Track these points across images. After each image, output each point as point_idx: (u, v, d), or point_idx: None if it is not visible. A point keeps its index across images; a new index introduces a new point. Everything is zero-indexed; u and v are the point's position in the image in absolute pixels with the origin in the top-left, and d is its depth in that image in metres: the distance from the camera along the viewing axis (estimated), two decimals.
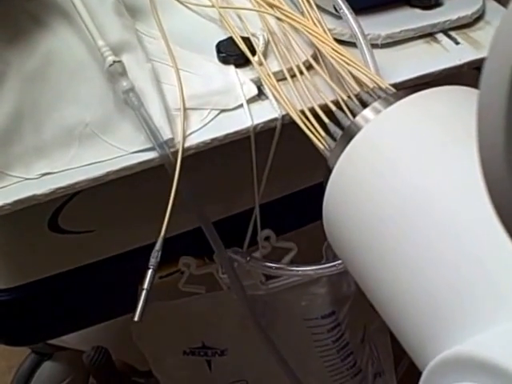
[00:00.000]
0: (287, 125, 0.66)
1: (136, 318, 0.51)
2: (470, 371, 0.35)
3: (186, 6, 0.76)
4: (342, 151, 0.51)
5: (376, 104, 0.53)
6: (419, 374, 0.42)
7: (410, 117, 0.49)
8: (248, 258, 0.69)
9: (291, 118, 0.64)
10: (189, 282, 0.77)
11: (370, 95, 0.57)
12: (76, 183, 0.60)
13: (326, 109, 0.62)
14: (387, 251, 0.45)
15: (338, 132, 0.56)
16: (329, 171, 0.53)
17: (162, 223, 0.64)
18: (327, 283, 0.79)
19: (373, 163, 0.48)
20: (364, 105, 0.57)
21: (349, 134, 0.52)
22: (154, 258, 0.59)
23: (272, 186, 0.73)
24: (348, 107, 0.58)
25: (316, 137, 0.59)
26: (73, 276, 0.75)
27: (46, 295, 0.76)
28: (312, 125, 0.61)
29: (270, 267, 0.70)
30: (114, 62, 0.62)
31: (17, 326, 0.79)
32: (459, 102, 0.50)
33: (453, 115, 0.49)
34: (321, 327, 0.83)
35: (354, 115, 0.56)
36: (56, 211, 0.73)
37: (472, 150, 0.45)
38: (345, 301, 0.85)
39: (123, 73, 0.63)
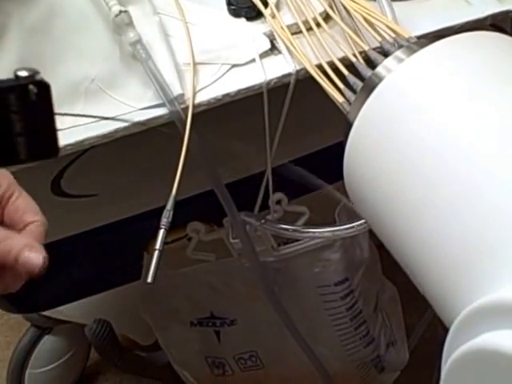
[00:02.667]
0: (301, 81, 0.63)
1: (149, 280, 0.48)
2: (507, 318, 0.33)
3: None
4: (363, 102, 0.48)
5: (399, 53, 0.49)
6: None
7: (436, 63, 0.46)
8: (262, 221, 0.66)
9: (306, 72, 0.61)
10: (197, 249, 0.74)
11: (392, 45, 0.54)
12: (85, 140, 0.57)
13: (343, 62, 0.59)
14: (416, 202, 0.42)
15: (358, 84, 0.53)
16: (349, 125, 0.50)
17: (171, 185, 0.62)
18: (341, 248, 0.76)
19: (399, 112, 0.45)
20: (385, 54, 0.54)
21: (370, 84, 0.49)
22: (166, 218, 0.56)
23: (285, 147, 0.70)
24: (368, 59, 0.55)
25: (334, 90, 0.56)
26: (77, 241, 0.73)
27: (50, 261, 0.74)
28: (329, 78, 0.58)
29: (286, 229, 0.67)
30: (121, 11, 0.59)
31: (19, 294, 0.76)
32: (489, 46, 0.47)
33: (484, 61, 0.45)
34: (334, 294, 0.80)
35: (375, 66, 0.53)
36: (59, 174, 0.71)
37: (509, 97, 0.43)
38: (358, 267, 0.82)
39: (130, 23, 0.59)
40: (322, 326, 0.83)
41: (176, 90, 0.59)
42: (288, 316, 0.74)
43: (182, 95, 0.59)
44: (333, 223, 0.78)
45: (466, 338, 0.35)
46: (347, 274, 0.79)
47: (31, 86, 0.31)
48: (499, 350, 0.32)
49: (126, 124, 0.58)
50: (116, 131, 0.58)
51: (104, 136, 0.58)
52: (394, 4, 0.65)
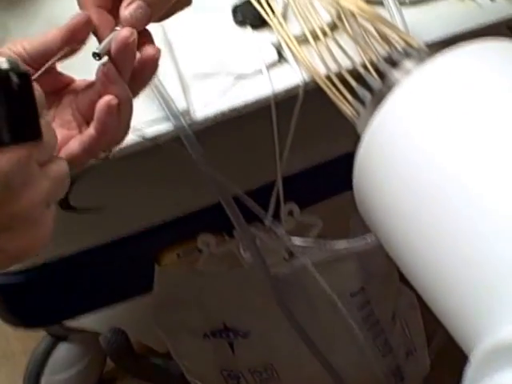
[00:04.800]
0: (309, 91, 0.61)
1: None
2: None
3: None
4: (373, 116, 0.47)
5: (408, 64, 0.48)
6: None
7: (446, 75, 0.44)
8: (272, 234, 0.65)
9: (314, 83, 0.60)
10: (209, 261, 0.73)
11: (402, 55, 0.53)
12: None
13: (352, 72, 0.58)
14: (430, 223, 0.41)
15: (367, 96, 0.52)
16: (359, 138, 0.49)
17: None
18: (355, 258, 0.75)
19: (408, 127, 0.44)
20: (394, 65, 0.52)
21: (380, 96, 0.47)
22: None
23: (294, 157, 0.68)
24: (377, 69, 0.54)
25: (342, 102, 0.55)
26: (87, 255, 0.72)
27: (60, 276, 0.73)
28: (337, 89, 0.56)
29: (297, 245, 0.66)
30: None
31: (32, 308, 0.76)
32: (502, 56, 0.45)
33: (496, 74, 0.44)
34: (350, 305, 0.79)
35: (384, 77, 0.52)
36: None
37: None
38: (374, 276, 0.80)
39: None
40: (339, 336, 0.82)
41: (181, 104, 0.58)
42: (302, 328, 0.73)
43: (188, 110, 0.58)
44: (346, 232, 0.77)
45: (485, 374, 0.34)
46: (363, 284, 0.78)
47: (12, 76, 0.33)
48: None
49: (129, 142, 0.57)
50: (120, 150, 0.57)
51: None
52: (404, 9, 0.63)
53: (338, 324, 0.80)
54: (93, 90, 0.44)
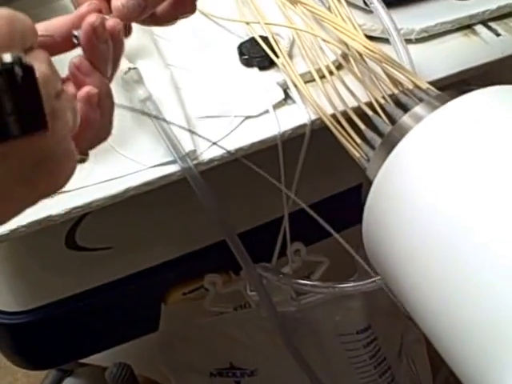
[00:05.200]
0: (316, 130, 0.61)
1: None
2: None
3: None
4: (383, 161, 0.46)
5: (418, 109, 0.48)
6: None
7: (457, 123, 0.44)
8: (280, 275, 0.65)
9: (321, 122, 0.59)
10: (215, 300, 0.73)
11: (410, 97, 0.52)
12: (93, 202, 0.56)
13: (359, 111, 0.57)
14: (440, 274, 0.40)
15: (375, 139, 0.51)
16: (368, 183, 0.48)
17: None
18: (362, 296, 0.74)
19: (422, 174, 0.43)
20: (402, 107, 0.52)
21: (390, 141, 0.47)
22: None
23: (299, 193, 0.68)
24: (385, 111, 0.53)
25: (351, 144, 0.54)
26: (91, 296, 0.71)
27: (66, 316, 0.72)
28: (345, 130, 0.56)
29: (305, 285, 0.65)
30: (130, 68, 0.57)
31: (36, 349, 0.75)
32: None
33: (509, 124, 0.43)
34: (356, 343, 0.78)
35: (393, 120, 0.51)
36: (73, 227, 0.70)
37: None
38: (381, 313, 0.80)
39: (139, 80, 0.58)
40: (345, 374, 0.81)
41: (188, 145, 0.57)
42: (309, 366, 0.72)
43: (194, 151, 0.57)
44: (352, 266, 0.76)
45: None
46: (369, 321, 0.77)
47: (16, 68, 0.33)
48: None
49: (136, 183, 0.56)
50: (126, 191, 0.57)
51: (113, 197, 0.56)
52: (410, 46, 0.63)
53: (344, 361, 0.80)
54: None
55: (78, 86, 0.39)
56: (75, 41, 0.40)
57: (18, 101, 0.33)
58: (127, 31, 0.45)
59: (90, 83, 0.39)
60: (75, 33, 0.40)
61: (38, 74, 0.34)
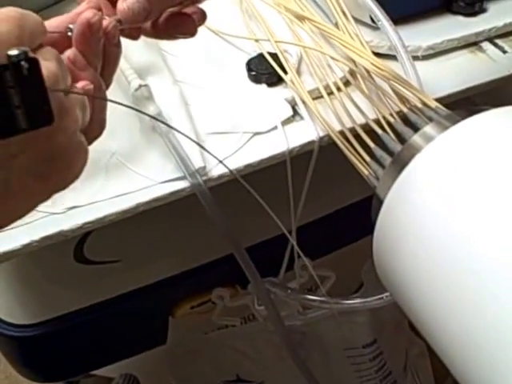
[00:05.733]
0: (324, 146, 0.62)
1: None
2: None
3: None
4: (393, 180, 0.47)
5: (428, 128, 0.48)
6: None
7: (468, 144, 0.44)
8: (288, 291, 0.65)
9: (329, 139, 0.60)
10: (223, 314, 0.73)
11: (419, 116, 0.53)
12: (104, 217, 0.56)
13: (367, 128, 0.58)
14: (451, 292, 0.40)
15: (384, 157, 0.52)
16: (378, 201, 0.49)
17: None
18: (368, 311, 0.75)
19: (433, 194, 0.43)
20: (412, 126, 0.52)
21: (400, 161, 0.47)
22: None
23: (306, 208, 0.68)
24: (393, 128, 0.54)
25: (360, 161, 0.55)
26: (100, 309, 0.72)
27: (75, 329, 0.73)
28: (353, 147, 0.57)
29: (313, 300, 0.65)
30: (140, 85, 0.58)
31: (44, 362, 0.75)
32: None
33: None
34: (362, 357, 0.78)
35: (402, 138, 0.52)
36: (81, 241, 0.70)
37: None
38: (386, 327, 0.80)
39: (149, 97, 0.59)
40: None
41: (197, 162, 0.58)
42: (316, 379, 0.72)
43: (204, 167, 0.58)
44: (358, 278, 0.77)
45: None
46: (375, 335, 0.77)
47: (23, 62, 0.34)
48: None
49: (147, 199, 0.57)
50: (137, 206, 0.57)
51: (125, 212, 0.57)
52: (416, 63, 0.63)
53: (350, 375, 0.80)
54: None
55: (73, 81, 0.40)
56: (69, 33, 0.41)
57: (24, 94, 0.34)
58: (135, 34, 0.46)
59: (85, 78, 0.40)
60: (70, 26, 0.41)
61: (46, 71, 0.35)
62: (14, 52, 0.34)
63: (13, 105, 0.34)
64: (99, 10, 0.43)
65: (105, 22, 0.42)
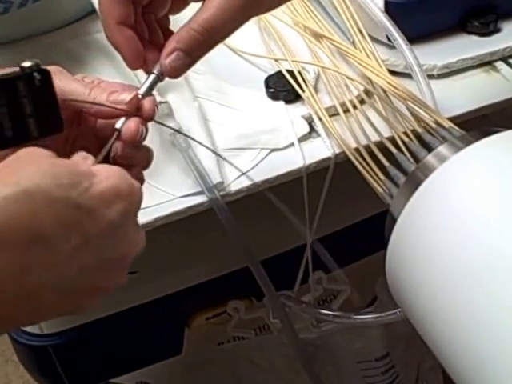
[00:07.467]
0: (340, 162, 0.63)
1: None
2: None
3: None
4: (407, 199, 0.48)
5: (442, 148, 0.49)
6: None
7: (485, 164, 0.45)
8: (303, 305, 0.66)
9: (345, 156, 0.61)
10: (238, 325, 0.74)
11: (433, 136, 0.54)
12: None
13: (381, 146, 0.59)
14: (463, 311, 0.41)
15: (398, 176, 0.53)
16: (391, 218, 0.50)
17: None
18: (381, 325, 0.75)
19: (446, 214, 0.44)
20: (426, 146, 0.53)
21: (414, 180, 0.48)
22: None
23: (321, 222, 0.69)
24: (408, 147, 0.55)
25: (374, 179, 0.56)
26: (117, 319, 0.73)
27: (92, 339, 0.74)
28: (368, 165, 0.58)
29: (327, 315, 0.66)
30: (161, 102, 0.59)
31: (62, 371, 0.77)
32: None
33: None
34: (375, 370, 0.79)
35: (416, 158, 0.53)
36: None
37: None
38: (399, 341, 0.81)
39: (170, 114, 0.60)
40: None
41: (215, 177, 0.59)
42: None
43: (222, 183, 0.59)
44: (373, 296, 0.78)
45: None
46: (388, 349, 0.78)
47: (35, 74, 0.37)
48: None
49: (165, 213, 0.58)
50: (156, 220, 0.58)
51: (144, 226, 0.58)
52: (431, 82, 0.64)
53: None
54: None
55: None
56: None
57: (36, 103, 0.36)
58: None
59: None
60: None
61: None
62: (27, 64, 0.37)
63: (25, 113, 0.36)
64: (141, 56, 0.47)
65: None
